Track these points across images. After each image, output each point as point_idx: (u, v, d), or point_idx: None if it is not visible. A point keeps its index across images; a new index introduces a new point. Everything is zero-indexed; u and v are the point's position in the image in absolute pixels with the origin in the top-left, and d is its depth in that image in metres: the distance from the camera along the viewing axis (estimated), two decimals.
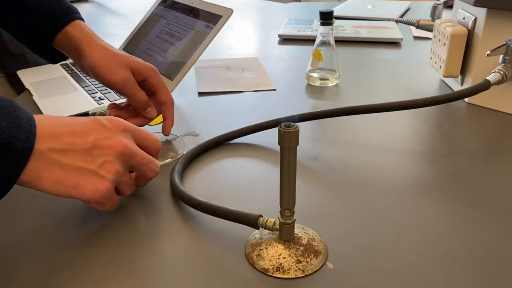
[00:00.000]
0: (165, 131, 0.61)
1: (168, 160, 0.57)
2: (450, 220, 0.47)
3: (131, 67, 0.59)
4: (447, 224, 0.46)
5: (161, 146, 0.50)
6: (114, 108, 0.62)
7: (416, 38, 1.12)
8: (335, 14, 1.35)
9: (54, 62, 0.65)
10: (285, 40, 1.13)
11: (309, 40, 1.10)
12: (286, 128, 0.36)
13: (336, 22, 1.23)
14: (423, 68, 0.89)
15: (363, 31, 1.13)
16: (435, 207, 0.49)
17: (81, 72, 0.86)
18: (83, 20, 0.63)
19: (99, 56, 0.58)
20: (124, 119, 0.53)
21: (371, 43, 1.09)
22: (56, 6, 0.61)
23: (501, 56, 0.63)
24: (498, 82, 0.61)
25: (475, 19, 0.71)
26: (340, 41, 1.08)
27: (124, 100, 0.74)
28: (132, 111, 0.62)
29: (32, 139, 0.38)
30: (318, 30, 0.81)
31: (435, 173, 0.56)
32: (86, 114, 0.69)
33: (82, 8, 1.47)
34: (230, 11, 0.78)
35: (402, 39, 1.08)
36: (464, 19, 0.74)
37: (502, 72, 0.61)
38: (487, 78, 0.60)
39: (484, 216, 0.48)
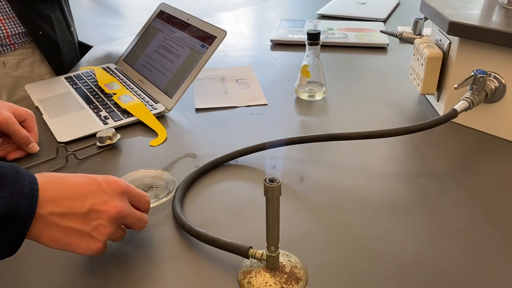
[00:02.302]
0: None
1: (163, 200, 0.62)
2: (415, 246, 0.55)
3: (12, 110, 0.70)
4: (413, 250, 0.54)
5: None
6: None
7: (402, 41, 1.17)
8: (324, 13, 1.40)
9: None
10: (277, 45, 1.18)
11: (301, 45, 1.15)
12: (270, 183, 0.44)
13: (326, 24, 1.29)
14: (406, 77, 0.95)
15: (351, 35, 1.18)
16: (406, 231, 0.57)
17: (85, 87, 0.91)
18: None
19: None
20: (6, 153, 0.71)
21: (359, 48, 1.14)
22: None
23: (469, 84, 0.69)
24: (465, 110, 0.68)
25: (450, 43, 0.77)
26: (328, 46, 1.14)
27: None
28: (12, 146, 0.73)
29: (34, 203, 0.43)
30: (305, 41, 0.86)
31: (408, 196, 0.63)
32: (94, 135, 0.75)
33: (80, 5, 1.50)
34: (223, 33, 0.84)
35: (388, 44, 1.13)
36: (440, 40, 0.80)
37: (469, 100, 0.68)
38: (455, 107, 0.67)
39: (446, 240, 0.55)
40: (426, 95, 0.88)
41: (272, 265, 0.49)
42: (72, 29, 1.13)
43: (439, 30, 0.81)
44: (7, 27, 0.99)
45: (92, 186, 0.48)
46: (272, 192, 0.44)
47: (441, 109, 0.81)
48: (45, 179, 0.46)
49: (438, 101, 0.82)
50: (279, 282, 0.48)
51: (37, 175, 0.46)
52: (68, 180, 0.47)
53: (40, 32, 1.03)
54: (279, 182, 0.44)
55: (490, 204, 0.61)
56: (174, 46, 0.91)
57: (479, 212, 0.60)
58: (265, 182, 0.44)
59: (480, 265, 0.52)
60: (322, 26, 1.27)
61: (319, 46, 0.86)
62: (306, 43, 0.86)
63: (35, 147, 0.73)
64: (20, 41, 1.03)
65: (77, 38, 1.18)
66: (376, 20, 1.33)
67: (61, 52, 1.08)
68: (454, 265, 0.52)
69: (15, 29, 1.01)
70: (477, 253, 0.53)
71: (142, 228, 0.53)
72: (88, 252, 0.48)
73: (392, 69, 1.03)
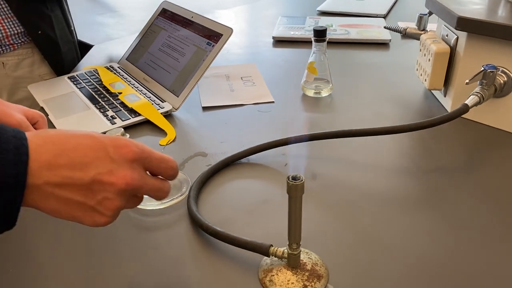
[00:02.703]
0: None
1: (178, 199, 0.61)
2: (431, 241, 0.55)
3: (24, 112, 0.67)
4: (429, 245, 0.54)
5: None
6: None
7: (404, 37, 1.17)
8: (324, 9, 1.40)
9: None
10: (279, 41, 1.18)
11: (303, 42, 1.15)
12: (293, 181, 0.43)
13: (326, 20, 1.29)
14: (410, 73, 0.96)
15: (353, 31, 1.19)
16: (419, 226, 0.57)
17: (89, 87, 0.91)
18: None
19: None
20: None
21: (361, 44, 1.14)
22: None
23: (479, 79, 0.70)
24: (476, 104, 0.68)
25: (457, 38, 0.77)
26: (330, 43, 1.13)
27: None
28: None
29: (23, 170, 0.36)
30: (311, 32, 0.85)
31: (419, 191, 0.64)
32: None
33: (76, 4, 1.49)
34: (230, 31, 0.84)
35: (390, 40, 1.14)
36: (447, 35, 0.80)
37: (479, 95, 0.68)
38: (466, 102, 0.67)
39: (461, 235, 0.56)
40: (432, 91, 0.89)
41: (293, 263, 0.49)
42: (72, 28, 1.12)
43: (445, 26, 0.81)
44: (6, 27, 0.98)
45: (98, 151, 0.40)
46: (296, 190, 0.44)
47: (449, 104, 0.81)
48: (40, 140, 0.39)
49: (445, 96, 0.83)
50: (301, 279, 0.48)
51: (30, 135, 0.39)
52: (69, 142, 0.40)
53: (39, 32, 1.01)
54: (302, 180, 0.44)
55: (502, 198, 0.62)
56: (179, 44, 0.91)
57: (492, 207, 0.60)
58: (288, 180, 0.44)
59: (497, 260, 0.52)
60: (323, 22, 1.27)
61: (325, 43, 0.86)
62: (313, 40, 0.86)
63: None
64: (19, 41, 1.02)
65: (77, 37, 1.17)
66: (376, 16, 1.34)
67: (60, 52, 1.07)
68: (471, 260, 0.52)
69: (14, 29, 0.99)
70: (493, 248, 0.54)
71: (162, 199, 0.46)
72: (95, 225, 0.42)
73: (395, 65, 1.04)
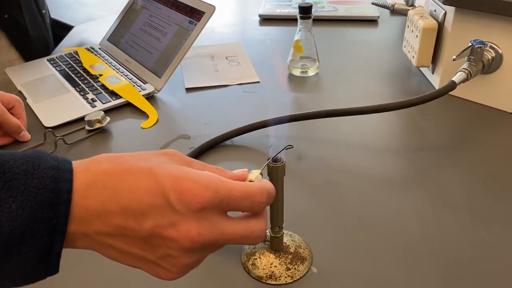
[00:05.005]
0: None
1: None
2: (417, 220, 0.54)
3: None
4: (417, 224, 0.54)
5: None
6: None
7: (393, 14, 1.15)
8: None
9: None
10: (266, 20, 1.15)
11: (290, 20, 1.12)
12: (274, 163, 0.42)
13: None
14: (399, 50, 0.94)
15: (341, 8, 1.16)
16: (406, 207, 0.56)
17: (69, 69, 0.88)
18: None
19: None
20: None
21: (349, 21, 1.12)
22: None
23: (466, 55, 0.68)
24: (463, 81, 0.67)
25: (445, 13, 0.75)
26: (318, 20, 1.11)
27: None
28: None
29: (63, 213, 0.30)
30: (297, 9, 0.83)
31: (406, 171, 0.62)
32: (82, 119, 0.73)
33: None
34: (212, 8, 0.81)
35: (379, 16, 1.11)
36: (435, 11, 0.78)
37: (467, 71, 0.67)
38: (453, 79, 0.66)
39: (448, 214, 0.55)
40: (420, 68, 0.87)
41: (276, 246, 0.48)
42: (44, 11, 1.06)
43: (433, 1, 0.79)
44: None
45: (155, 197, 0.31)
46: (277, 172, 0.42)
47: (437, 81, 0.79)
48: (89, 179, 0.31)
49: (433, 73, 0.81)
50: (284, 262, 0.47)
51: (77, 166, 0.31)
52: (123, 182, 0.31)
53: (6, 16, 0.96)
54: (283, 162, 0.42)
55: (490, 175, 0.61)
56: (161, 24, 0.88)
57: (480, 184, 0.59)
58: (269, 162, 0.42)
59: (484, 237, 0.52)
60: None
61: (311, 20, 0.84)
62: (298, 17, 0.83)
63: (26, 135, 0.70)
64: None
65: (50, 20, 1.11)
66: None
67: (30, 37, 1.01)
68: (458, 238, 0.52)
69: None
70: (481, 225, 0.53)
71: (257, 243, 0.36)
72: (163, 279, 0.34)
73: (384, 42, 1.02)
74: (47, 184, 0.29)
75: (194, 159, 0.36)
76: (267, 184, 0.36)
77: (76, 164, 0.32)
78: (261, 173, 0.39)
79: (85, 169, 0.31)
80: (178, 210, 0.31)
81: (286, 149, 0.42)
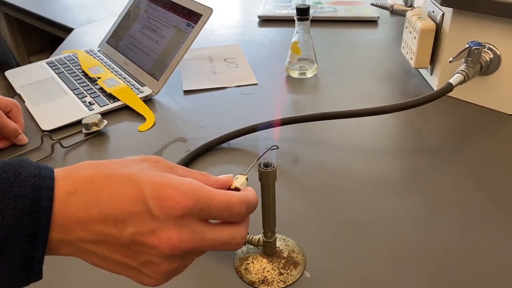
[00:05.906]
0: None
1: None
2: (412, 223, 0.54)
3: None
4: (412, 227, 0.53)
5: None
6: None
7: (393, 14, 1.14)
8: None
9: None
10: (265, 21, 1.15)
11: (289, 21, 1.12)
12: (265, 168, 0.42)
13: None
14: (398, 51, 0.93)
15: (341, 9, 1.16)
16: (401, 210, 0.56)
17: (68, 72, 0.88)
18: None
19: None
20: None
21: (349, 22, 1.11)
22: None
23: (463, 57, 0.68)
24: (460, 83, 0.66)
25: (443, 15, 0.75)
26: (317, 21, 1.11)
27: None
28: None
29: (44, 220, 0.30)
30: (295, 16, 0.83)
31: (403, 173, 0.62)
32: (79, 122, 0.73)
33: None
34: (210, 10, 0.81)
35: (378, 17, 1.11)
36: (433, 12, 0.78)
37: (464, 73, 0.66)
38: (450, 81, 0.65)
39: (443, 216, 0.55)
40: (419, 69, 0.86)
41: (269, 250, 0.48)
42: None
43: (431, 1, 0.79)
44: None
45: (135, 204, 0.31)
46: (268, 177, 0.42)
47: (435, 82, 0.79)
48: (70, 186, 0.31)
49: (431, 74, 0.81)
50: (277, 267, 0.47)
51: (59, 173, 0.31)
52: (104, 189, 0.31)
53: None
54: (274, 167, 0.42)
55: (486, 177, 0.60)
56: (159, 26, 0.88)
57: (476, 186, 0.59)
58: (260, 167, 0.42)
59: (479, 239, 0.51)
60: (311, 0, 1.23)
61: (309, 22, 0.83)
62: (296, 19, 0.83)
63: (24, 138, 0.70)
64: None
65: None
66: None
67: None
68: (453, 240, 0.51)
69: None
70: (475, 228, 0.53)
71: (237, 249, 0.37)
72: (147, 285, 0.35)
73: (383, 43, 1.01)
74: (28, 192, 0.29)
75: (178, 165, 0.36)
76: (249, 194, 0.36)
77: (57, 171, 0.32)
78: (247, 178, 0.39)
79: (67, 176, 0.31)
80: (158, 217, 0.31)
81: (271, 149, 0.42)
